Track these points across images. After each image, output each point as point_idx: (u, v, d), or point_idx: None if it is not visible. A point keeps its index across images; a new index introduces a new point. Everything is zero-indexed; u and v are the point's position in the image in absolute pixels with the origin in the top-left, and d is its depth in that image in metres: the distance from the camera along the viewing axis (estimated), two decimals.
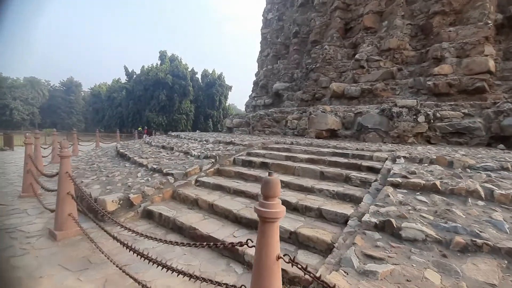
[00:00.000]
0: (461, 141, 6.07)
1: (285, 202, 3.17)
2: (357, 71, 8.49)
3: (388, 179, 3.23)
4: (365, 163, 4.07)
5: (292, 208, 3.09)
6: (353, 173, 3.71)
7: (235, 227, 2.95)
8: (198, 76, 40.73)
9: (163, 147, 6.95)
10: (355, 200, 3.10)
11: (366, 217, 2.44)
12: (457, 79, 6.83)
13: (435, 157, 3.79)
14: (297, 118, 9.13)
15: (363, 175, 3.67)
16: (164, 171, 4.44)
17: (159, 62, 37.36)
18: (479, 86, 6.59)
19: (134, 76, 38.15)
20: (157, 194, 3.78)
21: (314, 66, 9.70)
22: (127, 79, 38.30)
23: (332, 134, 7.67)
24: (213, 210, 3.33)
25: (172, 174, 4.25)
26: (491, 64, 6.54)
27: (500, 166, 3.34)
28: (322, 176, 3.94)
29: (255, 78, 16.66)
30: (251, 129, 10.85)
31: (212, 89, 38.03)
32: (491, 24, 6.81)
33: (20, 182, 4.80)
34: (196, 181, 4.29)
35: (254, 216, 2.93)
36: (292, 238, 2.55)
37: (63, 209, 2.77)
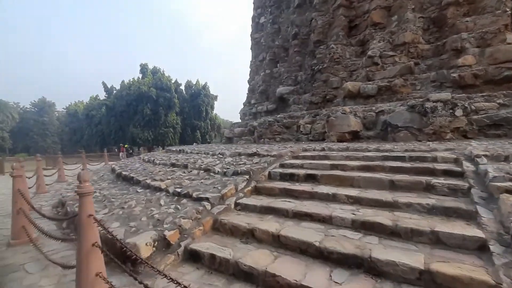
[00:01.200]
0: (500, 133, 5.67)
1: (377, 225, 2.46)
2: (371, 68, 8.07)
3: (490, 183, 2.64)
4: (438, 166, 3.47)
5: (389, 232, 2.39)
6: (435, 180, 3.09)
7: (324, 266, 2.19)
8: (182, 87, 39.68)
9: (174, 164, 6.06)
10: (465, 216, 2.45)
11: None
12: (483, 69, 6.52)
13: None
14: (310, 122, 8.53)
15: (447, 181, 3.06)
16: (194, 195, 3.60)
17: (140, 76, 36.00)
18: (508, 74, 6.30)
19: (114, 91, 36.47)
20: (196, 227, 2.95)
21: (320, 66, 9.22)
22: (106, 95, 36.53)
23: (355, 136, 7.12)
24: (280, 243, 2.55)
25: (207, 199, 3.42)
26: None
27: None
28: (393, 186, 3.28)
29: (249, 85, 16.08)
30: (257, 137, 10.13)
31: (197, 100, 37.04)
32: (509, 11, 6.60)
33: (4, 223, 3.79)
34: (236, 204, 3.50)
35: (348, 249, 2.20)
36: (424, 279, 1.84)
37: (89, 267, 1.90)
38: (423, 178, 3.18)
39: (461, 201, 2.70)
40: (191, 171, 5.14)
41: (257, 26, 15.09)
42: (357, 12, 9.09)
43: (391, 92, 7.57)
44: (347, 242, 2.32)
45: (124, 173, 6.02)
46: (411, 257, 2.00)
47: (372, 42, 8.36)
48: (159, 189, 4.26)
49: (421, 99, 6.20)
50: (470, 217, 2.41)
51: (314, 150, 5.47)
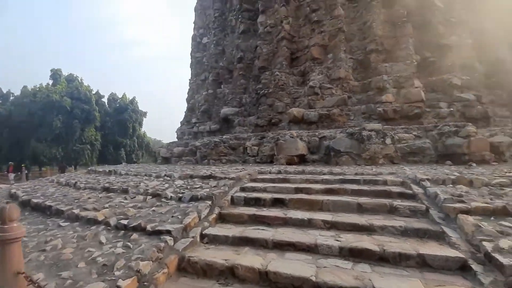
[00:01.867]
0: (416, 160, 6.79)
1: (365, 252, 2.42)
2: (312, 97, 8.77)
3: (444, 205, 2.98)
4: (393, 189, 3.80)
5: (377, 258, 2.37)
6: (396, 202, 3.33)
7: None
8: (105, 99, 35.35)
9: (107, 189, 5.00)
10: (434, 236, 2.65)
11: (497, 260, 1.98)
12: (400, 106, 7.86)
13: (454, 177, 3.88)
14: (257, 144, 8.55)
15: (406, 203, 3.33)
16: (149, 227, 2.94)
17: (51, 82, 30.49)
18: (417, 112, 7.75)
19: (11, 98, 29.71)
20: (158, 269, 2.35)
21: (266, 91, 9.55)
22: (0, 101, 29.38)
23: (301, 159, 7.41)
24: (269, 281, 2.23)
25: (168, 232, 2.82)
26: (423, 94, 7.85)
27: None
28: (361, 209, 3.39)
29: (187, 104, 15.45)
30: (200, 158, 9.54)
31: (123, 115, 33.37)
32: (415, 62, 8.30)
33: None
34: (202, 235, 3.01)
35: (348, 281, 2.05)
36: None
37: None
38: (386, 201, 3.40)
39: (424, 221, 2.95)
40: (134, 197, 4.30)
41: (198, 45, 14.92)
42: (298, 46, 9.95)
43: (330, 120, 8.32)
44: (342, 273, 2.17)
45: (34, 200, 4.64)
46: (411, 284, 1.98)
47: (312, 74, 9.19)
48: (94, 222, 3.36)
49: (357, 128, 6.96)
50: (439, 237, 2.62)
51: (270, 173, 5.39)
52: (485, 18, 8.97)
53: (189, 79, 15.82)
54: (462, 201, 3.01)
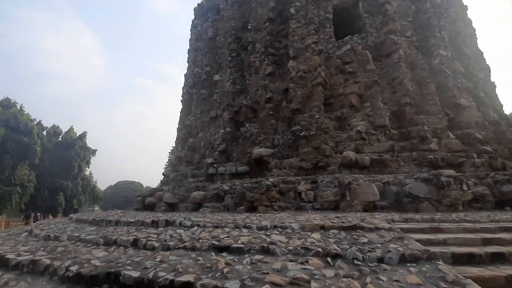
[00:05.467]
0: (480, 206, 6.99)
1: None
2: (359, 142, 8.74)
3: None
4: None
5: None
6: None
7: None
8: (44, 133, 29.69)
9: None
10: None
11: None
12: (445, 155, 8.35)
13: None
14: (310, 189, 7.80)
15: None
16: None
17: None
18: (461, 161, 8.31)
19: None
20: None
21: (307, 133, 9.21)
22: None
23: (375, 206, 6.91)
24: None
25: None
26: (461, 144, 8.57)
27: None
28: None
29: (185, 143, 13.98)
30: (234, 204, 8.15)
31: (68, 152, 28.18)
32: (446, 117, 9.22)
33: None
34: None
35: None
36: None
37: None
38: None
39: None
40: (306, 260, 3.05)
41: (203, 82, 14.25)
42: (332, 93, 10.24)
43: (382, 165, 8.26)
44: None
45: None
46: None
47: (353, 120, 9.34)
48: None
49: (430, 174, 6.95)
50: None
51: (418, 221, 4.70)
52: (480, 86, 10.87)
53: (188, 116, 14.58)
54: None
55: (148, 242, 4.07)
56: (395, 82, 9.94)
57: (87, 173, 31.54)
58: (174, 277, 2.71)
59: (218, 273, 2.75)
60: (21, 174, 22.72)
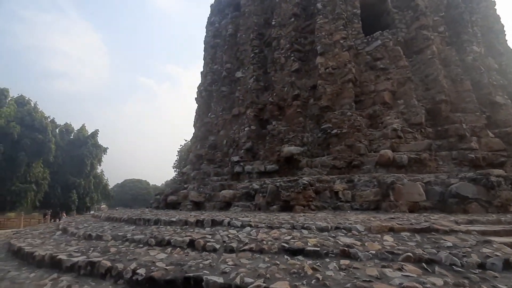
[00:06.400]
0: None
1: None
2: (395, 140, 8.45)
3: None
4: None
5: None
6: None
7: None
8: (57, 131, 29.79)
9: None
10: None
11: None
12: (486, 154, 8.03)
13: None
14: (347, 188, 7.56)
15: None
16: None
17: None
18: (502, 160, 7.98)
19: None
20: None
21: (339, 131, 8.95)
22: None
23: (420, 206, 6.64)
24: None
25: None
26: (502, 143, 8.25)
27: None
28: None
29: (204, 142, 13.83)
30: (266, 203, 7.94)
31: (81, 150, 28.26)
32: (484, 115, 8.89)
33: None
34: None
35: None
36: None
37: None
38: None
39: None
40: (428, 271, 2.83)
41: (224, 79, 14.06)
42: (363, 90, 9.95)
43: (420, 164, 7.96)
44: None
45: None
46: None
47: (386, 117, 9.05)
48: None
49: (478, 173, 6.66)
50: None
51: (484, 223, 4.45)
52: None
53: (208, 114, 14.40)
54: None
55: (208, 244, 3.88)
56: (428, 79, 9.62)
57: (98, 171, 31.66)
58: (265, 284, 2.50)
59: (313, 280, 2.54)
60: (36, 171, 22.80)
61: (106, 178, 32.86)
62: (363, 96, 9.94)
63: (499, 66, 10.79)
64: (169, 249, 4.02)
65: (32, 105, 25.58)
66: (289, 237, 3.83)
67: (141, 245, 4.33)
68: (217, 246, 3.79)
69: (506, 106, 9.59)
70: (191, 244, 4.01)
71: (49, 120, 25.94)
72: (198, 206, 9.84)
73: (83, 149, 28.00)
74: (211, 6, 18.47)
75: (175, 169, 42.92)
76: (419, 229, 3.84)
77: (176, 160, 40.88)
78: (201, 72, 18.06)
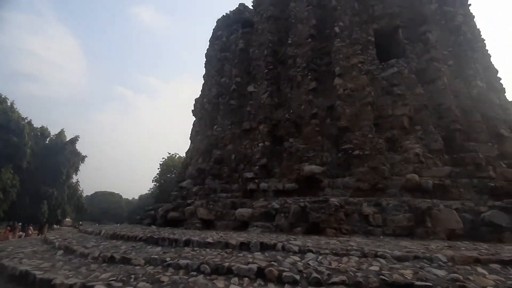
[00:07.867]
0: None
1: None
2: (418, 165, 8.49)
3: None
4: None
5: None
6: None
7: None
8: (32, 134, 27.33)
9: None
10: None
11: None
12: (503, 183, 8.26)
13: None
14: (377, 212, 7.34)
15: None
16: None
17: None
18: None
19: None
20: None
21: (360, 153, 8.87)
22: None
23: (456, 234, 6.52)
24: None
25: None
26: None
27: None
28: None
29: (212, 155, 13.23)
30: (289, 224, 7.48)
31: (57, 157, 25.97)
32: (496, 146, 9.28)
33: None
34: None
35: None
36: None
37: None
38: None
39: None
40: None
41: (233, 92, 13.80)
42: (381, 114, 10.09)
43: (444, 190, 8.00)
44: None
45: None
46: None
47: (405, 142, 9.15)
48: None
49: (505, 201, 6.74)
50: None
51: None
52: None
53: (214, 127, 13.89)
54: None
55: (284, 274, 3.37)
56: (441, 108, 9.98)
57: (74, 180, 29.14)
58: None
59: None
60: (5, 177, 20.27)
61: (81, 189, 30.20)
62: (380, 119, 10.06)
63: (499, 101, 11.53)
64: (235, 279, 3.44)
65: (9, 104, 23.25)
66: (376, 268, 3.43)
67: (193, 273, 3.69)
68: (297, 277, 3.29)
69: (510, 139, 10.13)
70: (261, 274, 3.46)
71: (26, 122, 23.69)
72: (207, 224, 9.12)
73: (60, 156, 25.64)
74: (218, 21, 18.54)
75: (155, 183, 40.87)
76: (508, 261, 3.62)
77: (157, 174, 39.09)
78: (203, 84, 17.73)
